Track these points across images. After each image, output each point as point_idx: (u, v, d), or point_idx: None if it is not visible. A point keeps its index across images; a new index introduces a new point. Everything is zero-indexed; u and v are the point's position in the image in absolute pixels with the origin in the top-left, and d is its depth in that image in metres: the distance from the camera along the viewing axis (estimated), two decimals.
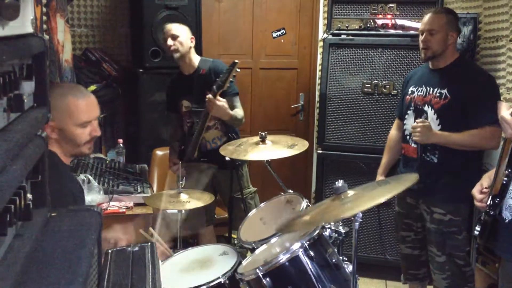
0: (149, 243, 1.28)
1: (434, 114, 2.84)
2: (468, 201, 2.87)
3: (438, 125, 2.82)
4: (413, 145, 2.93)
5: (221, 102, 3.05)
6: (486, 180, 2.27)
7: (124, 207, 2.81)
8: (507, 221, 2.08)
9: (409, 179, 2.04)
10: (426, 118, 2.85)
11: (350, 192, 2.00)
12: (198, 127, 3.23)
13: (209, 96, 3.04)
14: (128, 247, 1.26)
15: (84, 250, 1.00)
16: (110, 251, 1.25)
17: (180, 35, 3.26)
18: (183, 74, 3.41)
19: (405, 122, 3.03)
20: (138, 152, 3.98)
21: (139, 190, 2.96)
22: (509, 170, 2.06)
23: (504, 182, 2.07)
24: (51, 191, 1.72)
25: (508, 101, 3.35)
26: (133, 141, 4.06)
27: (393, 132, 3.25)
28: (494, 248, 2.18)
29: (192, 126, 3.36)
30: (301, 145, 2.74)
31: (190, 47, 3.31)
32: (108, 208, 2.74)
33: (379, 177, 3.22)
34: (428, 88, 2.90)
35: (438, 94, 2.83)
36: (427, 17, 2.89)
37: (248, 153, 2.66)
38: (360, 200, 1.93)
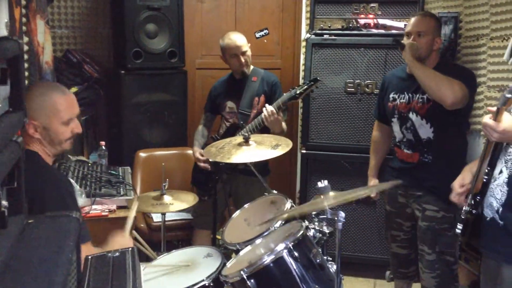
0: (130, 248, 1.26)
1: (422, 119, 2.82)
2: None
3: (430, 127, 2.81)
4: (406, 151, 2.94)
5: (280, 115, 3.19)
6: (467, 172, 2.28)
7: (107, 210, 2.77)
8: (488, 219, 2.10)
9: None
10: (412, 125, 2.86)
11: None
12: (247, 130, 3.24)
13: (272, 108, 3.13)
14: (109, 253, 1.24)
15: (62, 257, 0.98)
16: (90, 257, 1.23)
17: (248, 49, 3.46)
18: (234, 77, 3.58)
19: (393, 129, 3.03)
20: (121, 154, 3.95)
21: (122, 193, 2.92)
22: (489, 168, 2.08)
23: (485, 180, 2.09)
24: (42, 194, 1.69)
25: (488, 99, 3.39)
26: (115, 143, 4.03)
27: (375, 134, 3.26)
28: (476, 245, 2.20)
29: (231, 126, 3.48)
30: (285, 145, 2.73)
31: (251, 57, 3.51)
32: (90, 212, 2.71)
33: (372, 180, 3.23)
34: (410, 95, 2.88)
35: (420, 100, 2.82)
36: (414, 19, 2.87)
37: (232, 156, 2.64)
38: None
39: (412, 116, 2.86)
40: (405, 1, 3.68)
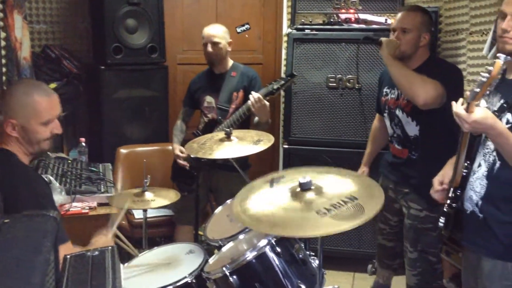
0: (110, 247, 1.24)
1: (407, 117, 2.81)
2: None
3: (416, 125, 2.80)
4: (397, 146, 2.94)
5: (267, 103, 3.14)
6: (448, 168, 2.29)
7: (87, 208, 2.74)
8: (468, 212, 2.12)
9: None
10: (399, 121, 2.85)
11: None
12: (227, 125, 3.23)
13: (259, 95, 3.08)
14: (88, 252, 1.22)
15: (39, 257, 0.96)
16: (68, 256, 1.21)
17: (221, 41, 3.43)
18: (213, 72, 3.55)
19: (386, 123, 3.02)
20: (102, 150, 3.91)
21: (102, 190, 2.90)
22: (468, 162, 2.09)
23: (464, 174, 2.11)
24: (16, 194, 1.66)
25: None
26: (96, 140, 3.99)
27: (376, 124, 3.25)
28: (458, 239, 2.22)
29: (210, 122, 3.45)
30: (267, 140, 2.72)
31: (228, 52, 3.51)
32: (70, 209, 2.68)
33: (363, 167, 3.25)
34: (399, 91, 2.84)
35: (407, 97, 2.79)
36: (400, 14, 2.81)
37: (213, 151, 2.62)
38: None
39: (399, 113, 2.85)
40: None
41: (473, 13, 3.34)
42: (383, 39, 2.78)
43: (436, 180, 2.30)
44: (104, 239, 2.12)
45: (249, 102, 3.12)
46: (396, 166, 2.96)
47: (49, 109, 2.01)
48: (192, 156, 3.25)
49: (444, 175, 2.28)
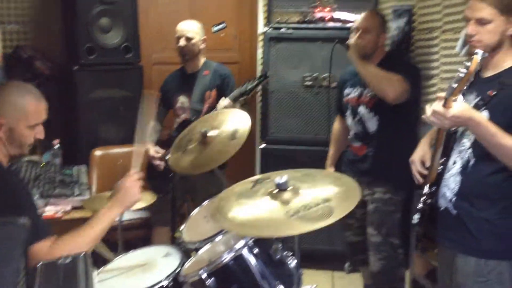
0: (82, 253, 1.22)
1: (369, 112, 2.96)
2: (406, 181, 2.95)
3: (377, 120, 2.95)
4: (356, 144, 3.05)
5: (236, 108, 3.13)
6: (424, 144, 2.32)
7: (61, 212, 2.71)
8: (442, 208, 2.14)
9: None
10: (361, 118, 2.99)
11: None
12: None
13: (227, 103, 3.10)
14: (59, 260, 1.19)
15: (8, 268, 0.94)
16: (39, 265, 1.19)
17: (194, 36, 3.40)
18: (185, 71, 3.54)
19: (347, 122, 3.11)
20: (76, 153, 3.84)
21: (76, 193, 2.86)
22: (444, 159, 2.12)
23: (439, 171, 2.13)
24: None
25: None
26: (70, 142, 3.92)
27: (336, 125, 3.36)
28: (433, 235, 2.24)
29: (183, 122, 3.41)
30: (242, 131, 2.67)
31: (201, 49, 3.48)
32: (44, 214, 2.63)
33: (330, 169, 3.31)
34: (361, 89, 3.01)
35: (369, 94, 2.96)
36: (362, 16, 3.01)
37: (195, 165, 2.60)
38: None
39: (362, 109, 2.99)
40: None
41: (446, 11, 3.37)
42: (350, 42, 2.95)
43: (417, 159, 2.28)
44: (129, 182, 2.11)
45: (217, 109, 3.13)
46: (355, 163, 3.08)
47: (38, 114, 2.02)
48: (167, 157, 3.25)
49: (424, 155, 2.28)
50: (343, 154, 3.33)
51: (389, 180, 2.96)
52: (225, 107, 3.08)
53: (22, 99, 1.99)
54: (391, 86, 2.79)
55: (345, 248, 3.35)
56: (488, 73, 2.06)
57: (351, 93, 3.08)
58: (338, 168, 3.28)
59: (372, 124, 2.98)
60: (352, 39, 2.96)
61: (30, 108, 1.99)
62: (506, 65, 2.03)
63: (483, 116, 1.90)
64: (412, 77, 2.89)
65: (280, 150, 3.84)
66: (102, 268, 2.35)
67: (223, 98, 3.16)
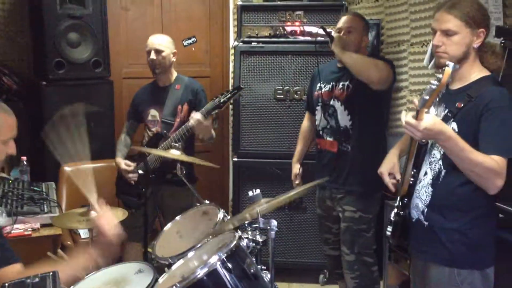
0: (51, 273, 1.18)
1: (341, 105, 2.97)
2: (377, 199, 2.99)
3: (348, 115, 2.95)
4: (328, 138, 3.04)
5: (208, 122, 3.12)
6: (393, 155, 2.37)
7: (30, 229, 2.64)
8: (414, 220, 2.16)
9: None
10: (334, 111, 2.98)
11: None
12: (173, 140, 3.19)
13: (199, 117, 3.06)
14: (28, 279, 1.16)
15: None
16: (6, 284, 1.15)
17: (165, 49, 3.37)
18: (157, 85, 3.51)
19: (316, 118, 3.11)
20: (44, 169, 3.76)
21: (46, 210, 2.79)
22: (414, 170, 2.14)
23: (411, 182, 2.15)
24: None
25: (411, 102, 3.51)
26: (38, 158, 3.83)
27: (305, 123, 3.36)
28: (405, 246, 2.25)
29: (154, 136, 3.40)
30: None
31: (172, 62, 3.45)
32: (12, 231, 2.56)
33: (295, 165, 3.30)
34: (333, 83, 3.02)
35: (341, 87, 2.98)
36: (345, 17, 3.01)
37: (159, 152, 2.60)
38: None
39: (334, 102, 3.00)
40: (329, 9, 3.76)
41: (413, 25, 3.45)
42: (334, 34, 2.92)
43: (385, 171, 2.32)
44: (107, 217, 2.06)
45: (189, 123, 3.11)
46: (327, 162, 3.04)
47: (9, 128, 1.98)
48: (139, 171, 3.22)
49: (393, 167, 2.31)
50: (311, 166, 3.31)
51: (359, 198, 2.94)
52: (198, 120, 3.06)
53: None
54: (376, 68, 2.77)
55: (327, 260, 3.34)
56: (456, 85, 2.10)
57: (322, 88, 3.07)
58: (310, 177, 3.26)
59: (343, 119, 2.96)
60: (338, 34, 2.95)
61: (3, 122, 1.95)
62: (473, 77, 2.07)
63: (452, 131, 1.92)
64: (393, 67, 2.90)
65: (252, 164, 3.83)
66: (72, 286, 2.30)
67: (194, 111, 3.14)
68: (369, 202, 2.95)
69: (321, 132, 3.10)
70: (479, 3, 2.10)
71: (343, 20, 3.00)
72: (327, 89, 3.05)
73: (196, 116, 3.08)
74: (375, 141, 2.96)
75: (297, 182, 3.25)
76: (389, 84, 2.84)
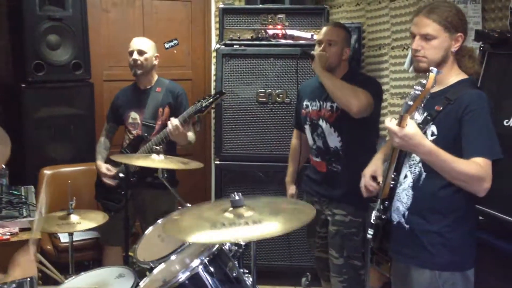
0: (28, 279, 1.16)
1: (330, 127, 2.89)
2: (366, 202, 2.98)
3: (337, 136, 2.88)
4: (315, 158, 3.00)
5: (185, 129, 3.11)
6: (378, 159, 2.36)
7: (8, 234, 2.60)
8: (395, 223, 2.17)
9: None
10: (322, 132, 2.92)
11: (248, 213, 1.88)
12: (154, 143, 3.17)
13: (176, 123, 3.04)
14: (4, 285, 1.14)
15: None
16: None
17: (148, 51, 3.37)
18: (138, 87, 3.49)
19: (307, 136, 3.07)
20: (23, 173, 3.72)
21: (24, 214, 2.76)
22: (395, 174, 2.15)
23: (392, 186, 2.16)
24: None
25: (392, 106, 3.54)
26: (17, 161, 3.77)
27: (294, 141, 3.29)
28: (387, 249, 2.26)
29: (135, 139, 3.37)
30: (194, 165, 2.72)
31: (154, 65, 3.44)
32: None
33: (291, 186, 3.25)
34: (321, 103, 2.94)
35: (329, 108, 2.89)
36: (326, 28, 2.93)
37: (143, 160, 2.57)
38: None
39: (322, 123, 2.93)
40: (311, 12, 3.78)
41: (394, 29, 3.48)
42: (315, 53, 2.87)
43: (367, 173, 2.33)
44: (26, 263, 1.99)
45: (166, 129, 3.10)
46: (317, 179, 3.01)
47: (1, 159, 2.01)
48: (120, 174, 3.19)
49: (376, 170, 2.32)
50: (303, 169, 3.29)
51: (350, 202, 2.90)
52: (176, 126, 3.04)
53: None
54: (356, 98, 2.69)
55: (315, 262, 3.32)
56: (434, 89, 2.11)
57: (309, 106, 3.01)
58: (298, 184, 3.27)
59: (332, 140, 2.90)
60: (317, 51, 2.89)
61: None
62: (451, 81, 2.09)
63: (432, 144, 1.92)
64: (375, 92, 2.83)
65: (234, 167, 3.82)
66: None
67: (172, 118, 3.12)
68: (359, 205, 2.93)
69: (311, 150, 3.06)
70: (457, 8, 2.13)
71: (323, 32, 2.92)
72: (315, 108, 2.97)
73: (174, 121, 3.05)
74: (364, 159, 2.87)
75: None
76: (370, 111, 2.76)
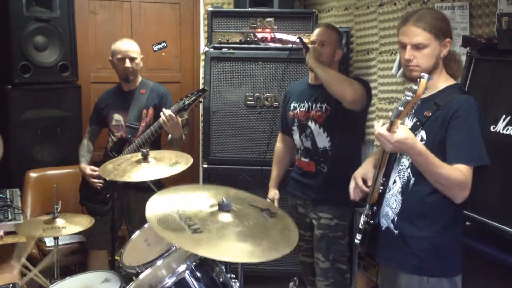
0: (11, 284, 1.14)
1: (319, 128, 2.90)
2: (352, 205, 2.99)
3: (327, 137, 2.90)
4: (303, 159, 3.00)
5: (179, 120, 3.07)
6: (368, 163, 2.35)
7: None
8: (383, 228, 2.17)
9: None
10: (311, 133, 2.93)
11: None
12: (138, 144, 3.17)
13: (170, 112, 3.01)
14: None
15: None
16: None
17: (137, 56, 3.36)
18: (121, 89, 3.46)
19: (294, 137, 3.08)
20: (9, 175, 3.68)
21: (9, 218, 2.73)
22: (384, 179, 2.15)
23: (380, 191, 2.16)
24: None
25: (380, 110, 3.55)
26: (2, 164, 3.73)
27: (278, 145, 3.30)
28: (375, 254, 2.26)
29: (119, 141, 3.35)
30: (184, 163, 2.66)
31: (141, 67, 3.44)
32: None
33: (272, 190, 3.25)
34: (310, 104, 2.95)
35: (319, 109, 2.91)
36: (319, 29, 2.96)
37: (128, 173, 2.53)
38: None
39: (311, 124, 2.94)
40: (300, 16, 3.78)
41: (382, 34, 3.49)
42: (309, 45, 2.89)
43: (359, 175, 2.32)
44: (8, 277, 1.97)
45: (160, 119, 3.06)
46: (303, 180, 3.02)
47: None
48: (107, 179, 3.15)
49: (367, 173, 2.31)
50: (287, 173, 3.30)
51: (335, 205, 2.92)
52: (170, 115, 3.00)
53: None
54: (350, 87, 2.69)
55: (299, 266, 3.32)
56: (424, 94, 2.13)
57: (297, 108, 3.02)
58: (283, 187, 3.27)
59: (321, 141, 2.92)
60: (313, 45, 2.90)
61: None
62: (440, 86, 2.10)
63: (423, 146, 1.94)
64: (367, 87, 2.86)
65: (223, 170, 3.81)
66: None
67: (164, 109, 3.08)
68: (344, 209, 2.94)
69: (297, 152, 3.07)
70: (442, 14, 2.15)
71: (316, 33, 2.95)
72: (304, 109, 2.99)
73: (167, 112, 3.02)
74: (352, 159, 2.89)
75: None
76: (361, 104, 2.78)
